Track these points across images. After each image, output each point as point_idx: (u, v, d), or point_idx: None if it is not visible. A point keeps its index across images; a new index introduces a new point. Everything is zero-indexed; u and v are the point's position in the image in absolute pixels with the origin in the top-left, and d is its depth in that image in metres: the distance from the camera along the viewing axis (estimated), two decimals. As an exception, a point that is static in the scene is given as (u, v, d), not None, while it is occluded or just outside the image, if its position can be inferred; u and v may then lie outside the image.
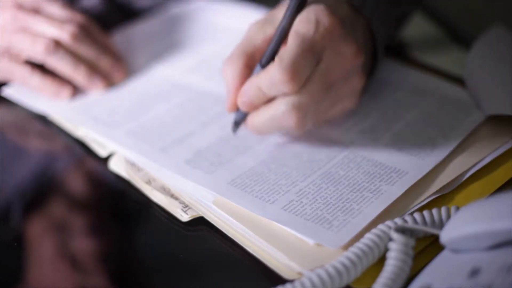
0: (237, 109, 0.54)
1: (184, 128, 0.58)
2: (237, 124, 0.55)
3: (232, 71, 0.52)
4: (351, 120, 0.57)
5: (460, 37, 0.84)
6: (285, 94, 0.50)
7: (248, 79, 0.52)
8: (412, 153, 0.53)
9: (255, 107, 0.52)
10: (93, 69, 0.63)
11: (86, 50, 0.63)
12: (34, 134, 0.64)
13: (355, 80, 0.53)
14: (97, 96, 0.64)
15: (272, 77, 0.49)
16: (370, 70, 0.57)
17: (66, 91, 0.63)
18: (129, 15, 0.77)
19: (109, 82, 0.64)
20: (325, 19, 0.50)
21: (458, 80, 0.61)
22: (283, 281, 0.44)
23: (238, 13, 0.75)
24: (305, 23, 0.50)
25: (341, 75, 0.52)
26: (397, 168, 0.51)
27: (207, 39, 0.73)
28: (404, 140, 0.55)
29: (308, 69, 0.50)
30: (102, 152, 0.57)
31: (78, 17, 0.65)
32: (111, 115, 0.61)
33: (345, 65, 0.51)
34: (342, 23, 0.51)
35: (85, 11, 0.75)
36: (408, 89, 0.61)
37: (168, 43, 0.72)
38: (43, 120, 0.62)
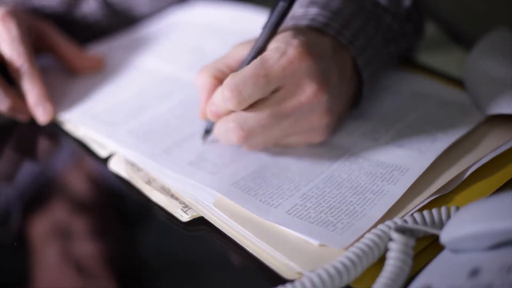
0: (206, 117, 0.55)
1: (186, 129, 0.58)
2: (207, 132, 0.56)
3: (202, 82, 0.54)
4: (352, 124, 0.58)
5: (460, 37, 0.84)
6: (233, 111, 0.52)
7: (217, 91, 0.53)
8: (412, 148, 0.53)
9: (221, 116, 0.53)
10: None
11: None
12: (33, 134, 0.64)
13: (316, 117, 0.52)
14: (97, 95, 0.64)
15: (221, 94, 0.50)
16: (355, 102, 0.57)
17: (4, 106, 0.60)
18: (129, 21, 0.77)
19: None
20: (292, 51, 0.50)
21: (458, 81, 0.61)
22: (283, 281, 0.44)
23: (239, 14, 0.75)
24: (272, 50, 0.51)
25: (297, 109, 0.51)
26: (399, 165, 0.52)
27: (207, 38, 0.73)
28: (404, 137, 0.55)
29: (256, 93, 0.50)
30: (102, 152, 0.57)
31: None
32: (112, 115, 0.61)
33: (302, 100, 0.51)
34: (313, 59, 0.50)
35: (84, 17, 0.75)
36: (408, 92, 0.61)
37: (169, 43, 0.72)
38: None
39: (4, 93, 0.59)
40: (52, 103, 0.61)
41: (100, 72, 0.68)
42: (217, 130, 0.53)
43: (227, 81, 0.50)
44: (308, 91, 0.51)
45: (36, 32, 0.64)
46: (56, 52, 0.66)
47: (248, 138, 0.52)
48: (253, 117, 0.51)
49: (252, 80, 0.49)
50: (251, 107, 0.51)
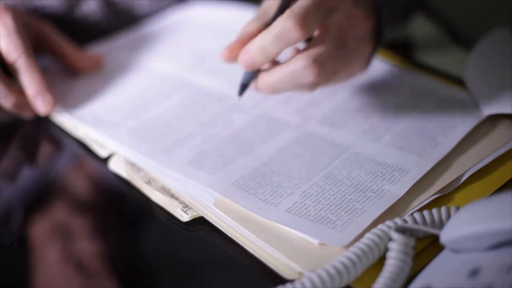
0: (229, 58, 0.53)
1: (185, 128, 0.58)
2: (244, 86, 0.53)
3: (247, 25, 0.53)
4: (353, 122, 0.58)
5: (460, 37, 0.84)
6: (294, 47, 0.51)
7: (252, 40, 0.51)
8: (413, 151, 0.53)
9: (255, 67, 0.51)
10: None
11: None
12: (33, 134, 0.64)
13: (365, 44, 0.54)
14: (97, 95, 0.64)
15: (281, 27, 0.48)
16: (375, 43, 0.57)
17: (8, 103, 0.60)
18: (129, 21, 0.77)
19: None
20: None
21: (458, 80, 0.61)
22: (283, 281, 0.44)
23: (239, 14, 0.75)
24: None
25: (353, 37, 0.52)
26: (399, 167, 0.52)
27: (207, 38, 0.73)
28: (405, 139, 0.55)
29: (319, 20, 0.49)
30: (102, 152, 0.57)
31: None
32: (112, 114, 0.61)
33: (356, 27, 0.52)
34: None
35: (85, 17, 0.75)
36: (409, 91, 0.61)
37: (169, 43, 0.72)
38: (42, 119, 0.62)
39: (8, 89, 0.59)
40: (51, 94, 0.60)
41: (100, 72, 0.68)
42: (274, 77, 0.51)
43: (287, 14, 0.48)
44: (359, 18, 0.52)
45: (35, 32, 0.64)
46: (55, 52, 0.66)
47: (323, 73, 0.50)
48: (323, 49, 0.50)
49: (313, 8, 0.49)
50: (316, 41, 0.50)
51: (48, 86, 0.60)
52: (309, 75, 0.50)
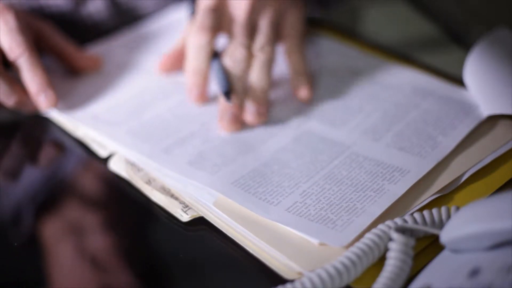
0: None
1: (185, 128, 0.58)
2: (227, 93, 0.57)
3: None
4: (353, 121, 0.58)
5: (460, 37, 0.84)
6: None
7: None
8: (413, 152, 0.53)
9: (202, 92, 0.62)
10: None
11: None
12: (33, 134, 0.64)
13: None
14: (97, 95, 0.64)
15: (190, 40, 0.62)
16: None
17: (11, 101, 0.60)
18: (134, 20, 0.77)
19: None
20: None
21: (458, 80, 0.61)
22: (283, 281, 0.44)
23: None
24: None
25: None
26: (399, 167, 0.52)
27: None
28: (405, 140, 0.55)
29: (211, 20, 0.62)
30: (102, 152, 0.57)
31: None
32: (112, 114, 0.61)
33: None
34: None
35: (90, 16, 0.75)
36: (409, 90, 0.61)
37: (169, 42, 0.72)
38: (42, 119, 0.62)
39: (10, 88, 0.59)
40: (54, 91, 0.60)
41: (99, 71, 0.68)
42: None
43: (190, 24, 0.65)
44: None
45: (36, 32, 0.64)
46: (55, 51, 0.66)
47: None
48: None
49: (203, 12, 0.62)
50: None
51: (50, 82, 0.61)
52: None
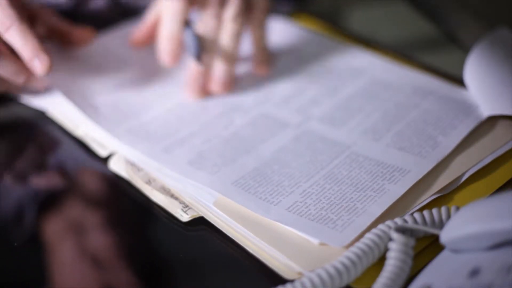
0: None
1: (185, 128, 0.58)
2: (198, 57, 0.61)
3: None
4: (353, 121, 0.58)
5: (460, 37, 0.84)
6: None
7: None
8: (413, 152, 0.53)
9: (175, 56, 0.63)
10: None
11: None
12: (33, 133, 0.64)
13: None
14: (97, 94, 0.64)
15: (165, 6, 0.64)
16: None
17: (22, 78, 0.61)
18: (136, 18, 0.77)
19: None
20: None
21: (458, 80, 0.61)
22: (283, 281, 0.44)
23: None
24: None
25: None
26: (399, 167, 0.52)
27: None
28: (405, 140, 0.55)
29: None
30: (102, 152, 0.57)
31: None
32: (112, 114, 0.61)
33: None
34: None
35: (91, 15, 0.75)
36: (409, 89, 0.61)
37: None
38: (42, 118, 0.62)
39: (19, 67, 0.60)
40: (48, 55, 0.60)
41: (99, 71, 0.68)
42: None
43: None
44: None
45: (28, 12, 0.64)
46: (51, 30, 0.66)
47: None
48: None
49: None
50: None
51: (42, 46, 0.60)
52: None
